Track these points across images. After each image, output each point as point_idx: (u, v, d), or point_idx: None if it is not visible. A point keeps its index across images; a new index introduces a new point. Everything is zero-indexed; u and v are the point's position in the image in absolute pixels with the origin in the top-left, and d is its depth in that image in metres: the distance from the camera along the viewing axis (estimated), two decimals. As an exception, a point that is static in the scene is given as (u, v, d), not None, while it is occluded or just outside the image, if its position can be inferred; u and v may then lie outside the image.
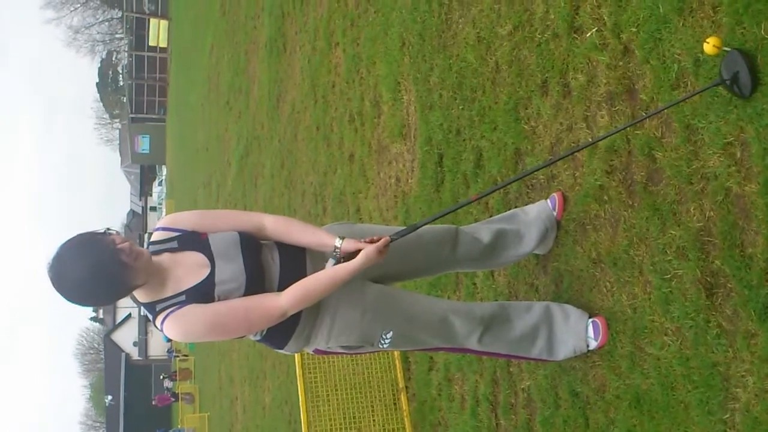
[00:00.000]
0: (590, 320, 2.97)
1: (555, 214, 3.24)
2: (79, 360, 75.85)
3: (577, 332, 2.96)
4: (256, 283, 2.51)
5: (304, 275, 2.57)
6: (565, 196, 3.23)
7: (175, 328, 2.43)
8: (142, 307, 2.57)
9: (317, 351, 2.77)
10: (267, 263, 2.60)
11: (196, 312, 2.42)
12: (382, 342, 2.73)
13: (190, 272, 2.49)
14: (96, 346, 70.19)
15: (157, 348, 48.35)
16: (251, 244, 2.59)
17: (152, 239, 2.59)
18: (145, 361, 50.65)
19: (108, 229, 2.43)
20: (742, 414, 2.28)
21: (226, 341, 14.33)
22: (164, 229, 2.59)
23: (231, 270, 2.49)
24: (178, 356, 32.77)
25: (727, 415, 2.33)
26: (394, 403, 5.04)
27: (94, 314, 68.42)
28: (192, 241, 2.55)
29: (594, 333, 2.94)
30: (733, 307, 2.34)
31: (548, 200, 3.30)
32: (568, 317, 2.98)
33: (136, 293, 2.49)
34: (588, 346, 2.96)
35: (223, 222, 2.63)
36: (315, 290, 2.50)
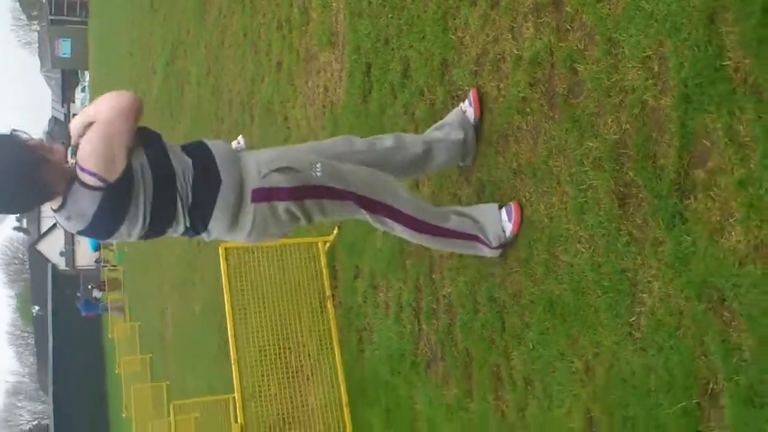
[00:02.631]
0: (502, 207, 3.06)
1: (472, 117, 3.28)
2: (4, 270, 74.49)
3: (492, 217, 3.04)
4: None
5: None
6: (481, 94, 3.28)
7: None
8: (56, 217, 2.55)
9: (255, 193, 2.69)
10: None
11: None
12: (315, 170, 2.73)
13: None
14: (21, 256, 68.86)
15: (84, 258, 47.69)
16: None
17: None
18: (73, 271, 49.99)
19: (14, 130, 2.40)
20: (647, 317, 2.41)
21: (158, 243, 14.23)
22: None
23: None
24: (106, 266, 32.42)
25: (633, 318, 2.46)
26: (321, 311, 5.13)
27: (17, 224, 66.86)
28: None
29: (507, 216, 3.02)
30: (643, 216, 2.43)
31: (465, 102, 3.34)
32: (480, 209, 3.07)
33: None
34: (505, 231, 3.02)
35: None
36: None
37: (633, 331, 2.45)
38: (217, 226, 2.70)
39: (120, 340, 23.27)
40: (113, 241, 2.67)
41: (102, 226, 2.56)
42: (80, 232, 2.61)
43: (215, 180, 2.64)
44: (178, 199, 2.61)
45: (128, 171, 2.47)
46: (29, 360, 70.25)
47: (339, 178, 2.78)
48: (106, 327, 29.65)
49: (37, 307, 52.35)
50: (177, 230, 2.71)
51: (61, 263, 51.23)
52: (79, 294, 31.25)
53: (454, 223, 2.99)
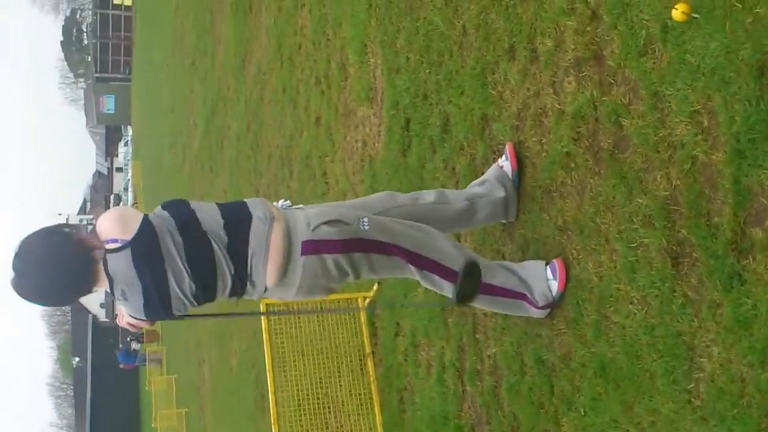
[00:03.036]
0: (547, 265, 2.99)
1: (510, 171, 3.25)
2: (47, 321, 75.42)
3: (537, 275, 2.96)
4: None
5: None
6: (517, 148, 3.25)
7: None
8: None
9: (305, 246, 2.68)
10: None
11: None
12: (362, 224, 2.73)
13: None
14: (63, 307, 69.68)
15: (124, 310, 48.02)
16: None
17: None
18: (113, 323, 50.40)
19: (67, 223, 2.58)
20: (706, 384, 2.29)
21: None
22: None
23: None
24: (145, 318, 32.53)
25: (692, 385, 2.34)
26: (361, 369, 5.04)
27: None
28: None
29: (552, 274, 2.95)
30: (699, 277, 2.33)
31: (502, 157, 3.31)
32: (524, 266, 3.01)
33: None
34: (551, 290, 2.94)
35: None
36: None
37: (692, 399, 2.33)
38: (259, 270, 2.66)
39: (157, 392, 23.27)
40: (177, 311, 2.67)
41: (153, 288, 2.57)
42: (146, 310, 2.64)
43: (246, 218, 2.67)
44: (212, 240, 2.61)
45: (146, 223, 2.56)
46: (68, 412, 70.59)
47: (386, 232, 2.77)
48: (144, 379, 29.72)
49: (77, 359, 52.79)
50: (226, 283, 2.67)
51: (101, 315, 51.75)
52: (121, 345, 31.58)
53: (500, 279, 2.92)
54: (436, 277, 2.85)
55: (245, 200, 2.78)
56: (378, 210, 2.95)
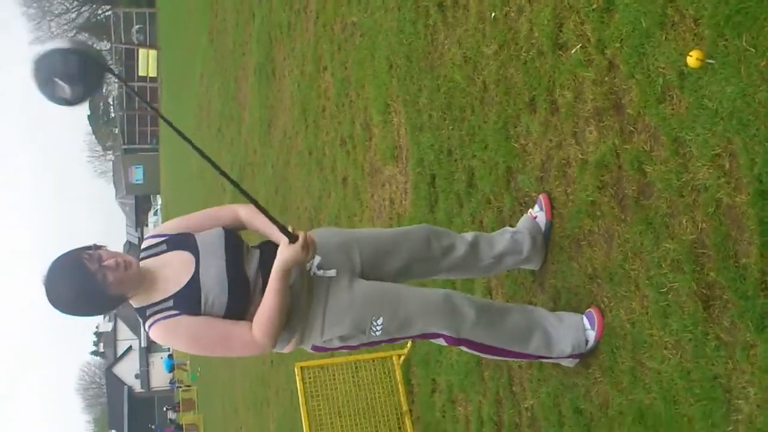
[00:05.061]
0: (584, 315, 2.99)
1: (542, 225, 3.27)
2: (82, 395, 75.41)
3: (574, 326, 2.95)
4: (239, 287, 2.64)
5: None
6: (551, 197, 3.28)
7: (160, 336, 2.62)
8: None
9: (315, 348, 2.82)
10: (249, 260, 2.76)
11: (179, 329, 2.58)
12: (374, 329, 2.75)
13: (177, 272, 2.63)
14: (98, 380, 69.80)
15: (159, 379, 48.10)
16: (233, 240, 2.75)
17: (142, 247, 2.75)
18: (148, 393, 50.43)
19: (95, 244, 2.58)
20: (745, 426, 2.28)
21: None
22: (153, 236, 2.76)
23: (215, 268, 2.62)
24: (180, 387, 32.59)
25: (731, 428, 2.32)
26: (399, 427, 5.02)
27: (95, 348, 68.22)
28: (180, 241, 2.71)
29: (590, 323, 2.94)
30: (731, 319, 2.34)
31: (536, 206, 3.35)
32: (561, 319, 3.00)
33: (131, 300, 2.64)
34: (587, 339, 2.94)
35: (207, 219, 2.84)
36: (273, 311, 2.59)
37: (732, 442, 2.32)
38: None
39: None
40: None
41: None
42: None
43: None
44: None
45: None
46: (105, 488, 70.14)
47: (401, 328, 2.80)
48: (182, 448, 29.55)
49: (114, 431, 52.70)
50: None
51: (137, 386, 51.78)
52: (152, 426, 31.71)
53: (534, 346, 2.91)
54: (464, 348, 2.91)
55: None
56: (412, 258, 2.99)
